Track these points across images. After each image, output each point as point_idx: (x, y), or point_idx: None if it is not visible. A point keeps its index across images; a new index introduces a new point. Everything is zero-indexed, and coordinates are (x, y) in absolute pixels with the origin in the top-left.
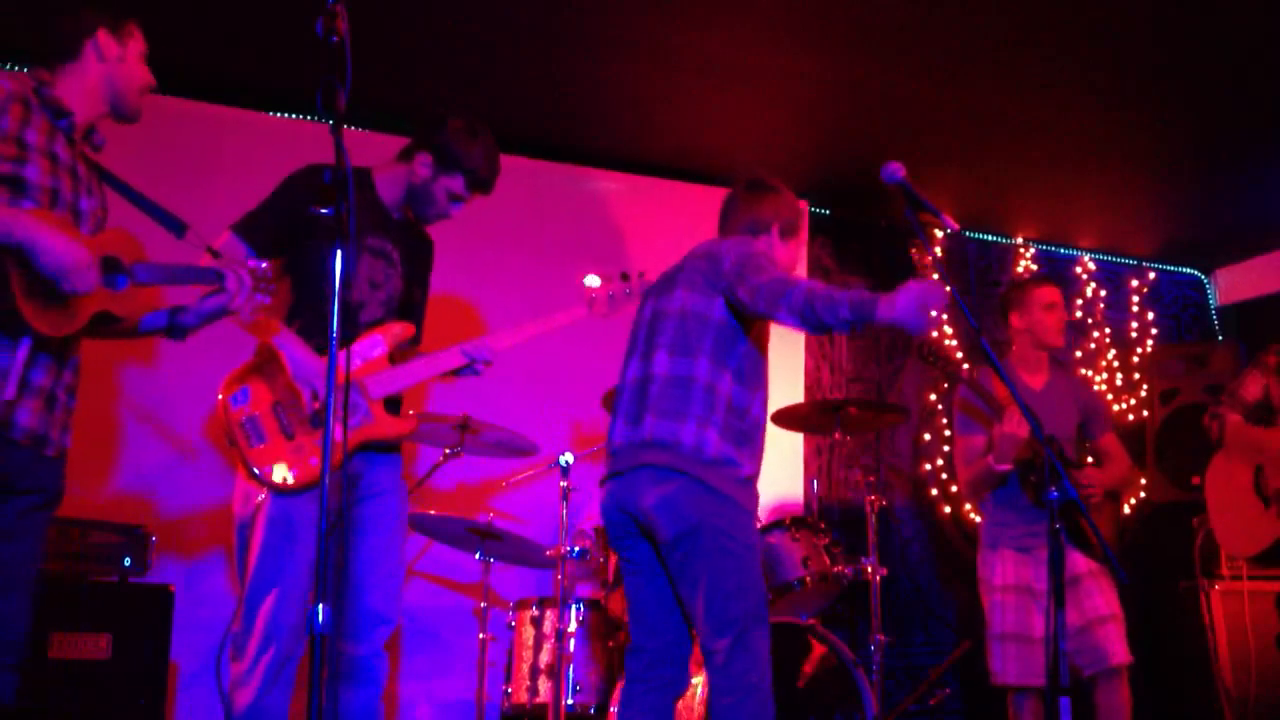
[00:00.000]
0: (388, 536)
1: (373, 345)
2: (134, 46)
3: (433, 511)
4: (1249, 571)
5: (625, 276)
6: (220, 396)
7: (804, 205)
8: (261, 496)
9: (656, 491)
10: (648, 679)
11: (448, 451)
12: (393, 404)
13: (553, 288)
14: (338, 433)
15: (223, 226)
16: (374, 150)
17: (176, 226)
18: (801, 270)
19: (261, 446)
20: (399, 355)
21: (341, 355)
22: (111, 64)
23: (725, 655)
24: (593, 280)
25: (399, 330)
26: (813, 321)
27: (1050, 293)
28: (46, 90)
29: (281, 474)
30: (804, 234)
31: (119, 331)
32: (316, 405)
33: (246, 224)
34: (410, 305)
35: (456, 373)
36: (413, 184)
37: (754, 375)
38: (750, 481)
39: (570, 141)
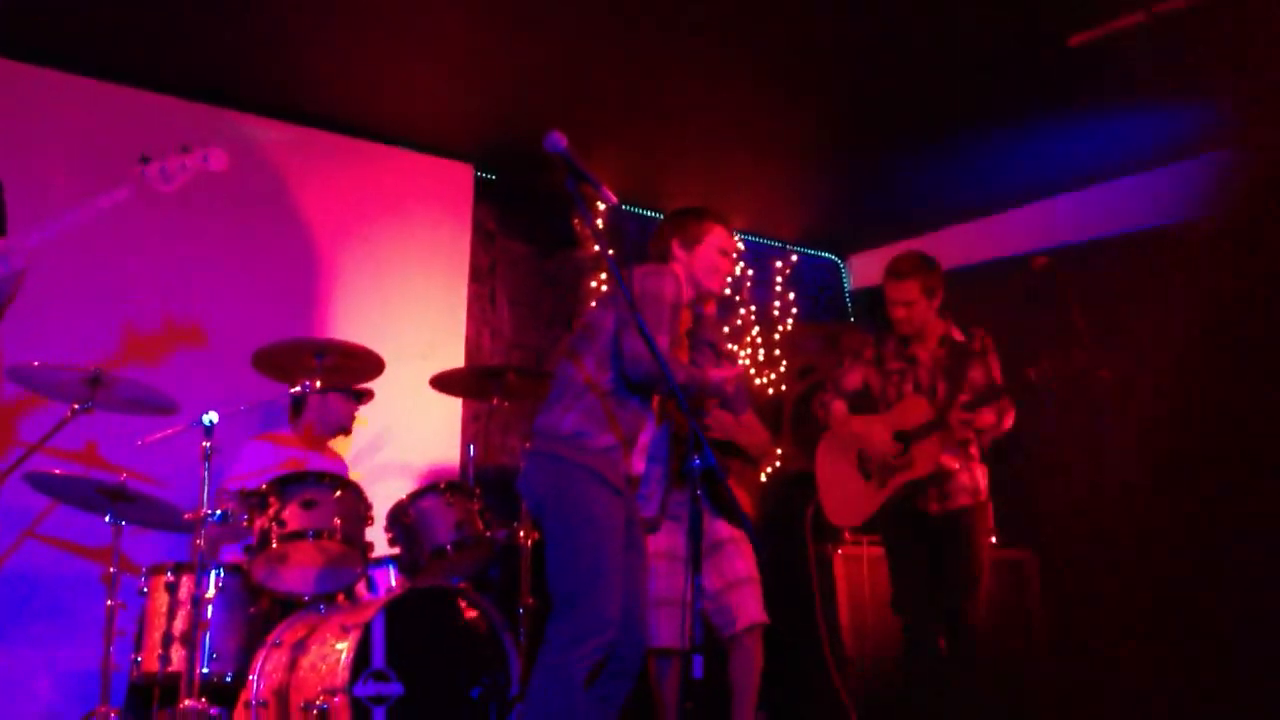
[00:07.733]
0: None
1: None
2: None
3: (58, 471)
4: (869, 538)
5: (186, 149)
6: None
7: (469, 169)
8: None
9: None
10: None
11: (76, 407)
12: None
13: (212, 237)
14: None
15: None
16: None
17: None
18: (466, 234)
19: None
20: None
21: None
22: None
23: None
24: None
25: None
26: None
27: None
28: None
29: None
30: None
31: None
32: None
33: None
34: None
35: None
36: None
37: None
38: None
39: (226, 85)
